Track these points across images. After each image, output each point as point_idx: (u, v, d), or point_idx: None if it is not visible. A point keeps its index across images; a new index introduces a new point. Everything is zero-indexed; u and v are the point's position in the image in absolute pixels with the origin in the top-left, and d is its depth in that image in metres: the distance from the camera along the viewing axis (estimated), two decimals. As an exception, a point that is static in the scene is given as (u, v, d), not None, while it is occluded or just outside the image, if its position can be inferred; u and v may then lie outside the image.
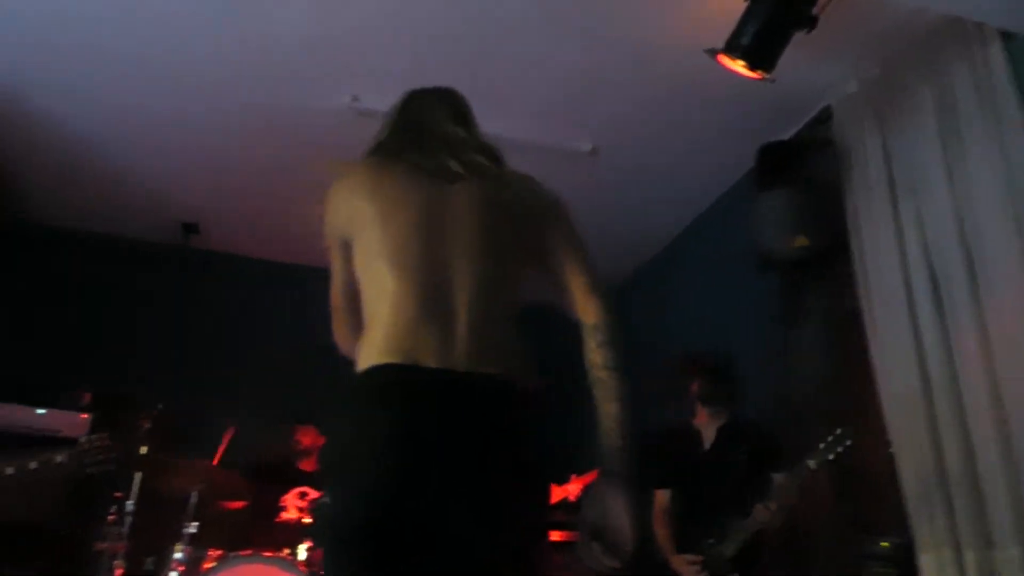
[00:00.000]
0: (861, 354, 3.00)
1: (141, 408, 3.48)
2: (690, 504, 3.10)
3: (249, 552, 3.22)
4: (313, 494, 3.80)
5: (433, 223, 1.55)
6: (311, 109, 3.69)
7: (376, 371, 1.42)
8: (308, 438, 4.21)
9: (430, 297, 1.47)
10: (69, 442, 2.48)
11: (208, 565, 3.16)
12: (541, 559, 1.53)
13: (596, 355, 1.62)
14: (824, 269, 3.39)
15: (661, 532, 3.11)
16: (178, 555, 3.21)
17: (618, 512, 1.44)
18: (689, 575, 2.87)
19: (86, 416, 3.91)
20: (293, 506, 3.84)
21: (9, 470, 2.29)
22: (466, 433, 1.37)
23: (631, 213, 4.56)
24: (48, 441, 3.58)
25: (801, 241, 3.22)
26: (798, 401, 3.37)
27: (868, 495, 3.06)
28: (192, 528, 3.31)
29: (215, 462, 3.76)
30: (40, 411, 3.84)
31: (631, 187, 4.31)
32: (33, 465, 2.32)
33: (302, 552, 3.40)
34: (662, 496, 3.20)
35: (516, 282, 1.63)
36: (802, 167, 3.36)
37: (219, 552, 3.25)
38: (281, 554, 3.27)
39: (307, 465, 4.19)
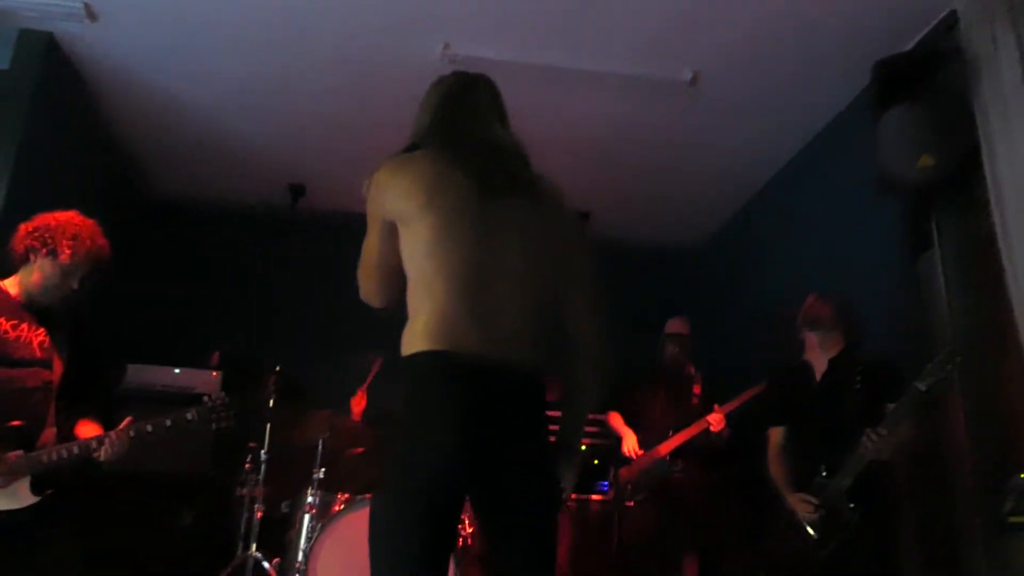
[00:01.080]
0: (996, 281, 2.78)
1: (264, 365, 3.68)
2: (803, 440, 3.00)
3: (366, 496, 3.37)
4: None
5: (481, 231, 1.65)
6: (403, 60, 3.69)
7: (424, 357, 1.60)
8: None
9: (473, 299, 1.61)
10: (200, 398, 2.67)
11: (337, 508, 3.34)
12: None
13: (584, 372, 1.81)
14: (953, 190, 3.14)
15: (775, 471, 3.05)
16: (310, 499, 3.40)
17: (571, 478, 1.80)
18: (803, 512, 2.80)
19: (216, 374, 4.17)
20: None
21: (148, 427, 2.48)
22: (501, 411, 1.59)
23: (736, 143, 4.37)
24: (185, 397, 3.85)
25: (926, 161, 2.98)
26: (926, 333, 3.18)
27: (1006, 427, 2.88)
28: (320, 473, 3.49)
29: (363, 389, 3.97)
30: (176, 371, 4.12)
31: (736, 116, 4.11)
32: (168, 423, 2.50)
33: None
34: (775, 434, 3.11)
35: (551, 291, 1.76)
36: (925, 80, 3.08)
37: (346, 495, 3.42)
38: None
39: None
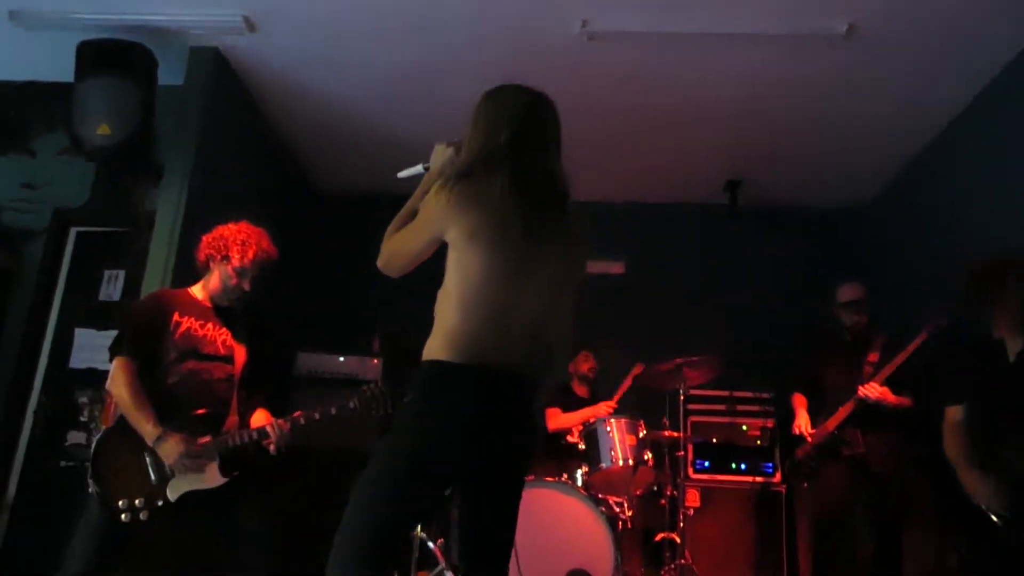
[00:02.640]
0: None
1: (419, 348, 3.80)
2: (991, 421, 2.73)
3: (532, 477, 3.42)
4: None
5: (521, 272, 1.82)
6: (542, 40, 3.67)
7: (449, 365, 1.80)
8: (588, 364, 4.34)
9: (498, 327, 1.80)
10: (362, 383, 2.83)
11: (496, 489, 3.40)
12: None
13: (553, 372, 2.05)
14: None
15: (953, 451, 2.80)
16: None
17: None
18: (982, 496, 2.57)
19: (377, 360, 4.37)
20: (576, 429, 3.99)
21: (316, 416, 2.68)
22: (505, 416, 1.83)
23: (902, 93, 4.01)
24: (350, 382, 4.08)
25: None
26: None
27: None
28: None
29: None
30: (341, 358, 4.36)
31: (898, 64, 3.77)
32: (333, 411, 2.68)
33: (579, 477, 3.54)
34: (953, 412, 2.85)
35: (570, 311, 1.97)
36: None
37: (505, 477, 3.48)
38: (560, 479, 3.43)
39: (582, 391, 4.33)
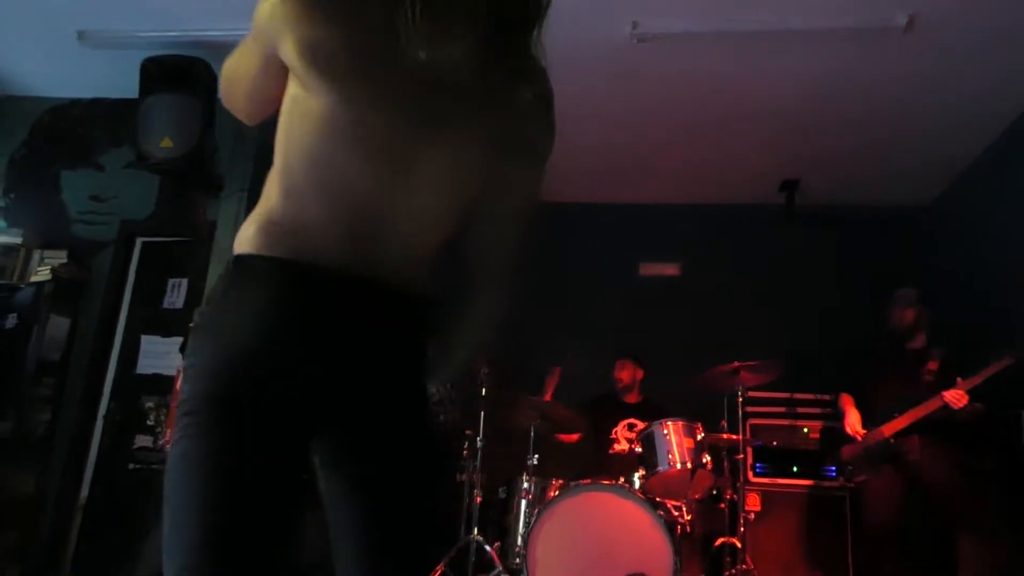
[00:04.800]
0: None
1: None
2: None
3: (588, 481, 3.40)
4: (639, 425, 3.89)
5: (407, 131, 1.15)
6: (591, 43, 3.66)
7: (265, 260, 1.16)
8: (627, 373, 4.32)
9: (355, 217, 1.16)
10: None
11: (552, 493, 3.40)
12: None
13: (483, 290, 1.37)
14: None
15: None
16: (525, 484, 3.49)
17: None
18: None
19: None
20: (623, 437, 3.97)
21: None
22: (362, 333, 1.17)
23: (967, 86, 3.87)
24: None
25: None
26: None
27: None
28: (534, 460, 3.58)
29: (547, 398, 4.01)
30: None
31: (962, 56, 3.64)
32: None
33: (636, 480, 3.51)
34: None
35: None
36: None
37: (560, 481, 3.48)
38: (618, 482, 3.41)
39: (631, 398, 4.31)
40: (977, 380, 3.44)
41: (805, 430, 4.31)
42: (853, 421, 3.74)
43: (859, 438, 3.68)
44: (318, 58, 1.08)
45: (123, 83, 3.93)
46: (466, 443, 3.78)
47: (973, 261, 4.49)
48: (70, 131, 4.51)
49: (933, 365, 3.68)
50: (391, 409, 1.20)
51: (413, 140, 1.15)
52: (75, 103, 4.54)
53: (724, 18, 3.45)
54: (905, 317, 3.82)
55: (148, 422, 4.10)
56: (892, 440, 3.58)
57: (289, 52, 1.10)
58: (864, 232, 5.16)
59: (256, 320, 1.08)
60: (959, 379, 3.48)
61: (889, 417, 3.61)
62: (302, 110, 1.12)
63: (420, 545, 1.23)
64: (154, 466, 3.86)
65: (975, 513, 3.43)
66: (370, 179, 1.14)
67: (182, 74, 3.80)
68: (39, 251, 4.20)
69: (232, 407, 1.06)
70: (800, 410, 4.37)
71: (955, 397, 3.43)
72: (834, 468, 4.11)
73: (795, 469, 4.23)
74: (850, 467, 3.74)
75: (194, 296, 4.10)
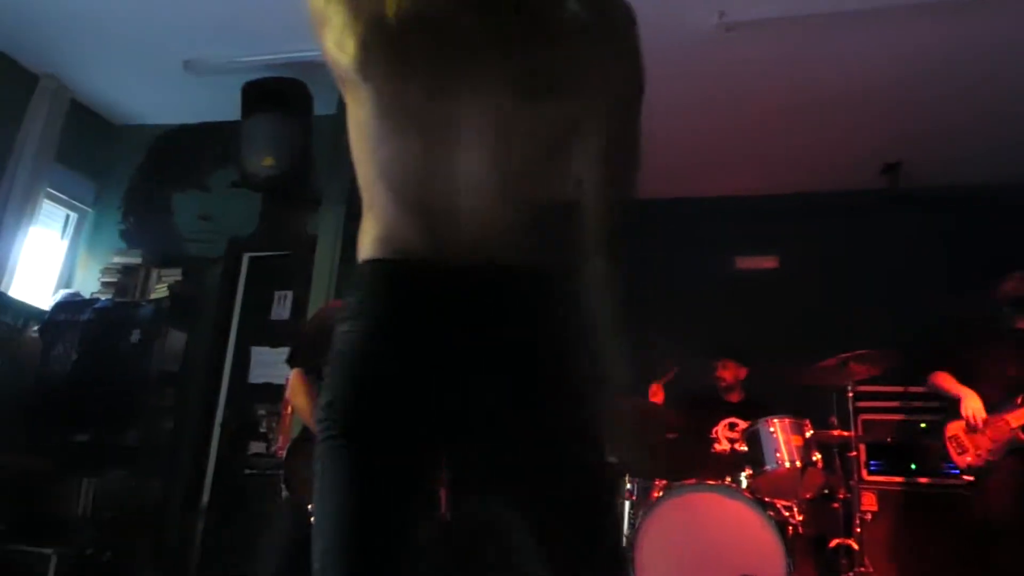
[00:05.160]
0: None
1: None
2: None
3: (693, 481, 3.34)
4: (741, 424, 3.79)
5: (435, 98, 1.09)
6: (678, 33, 3.59)
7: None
8: (729, 372, 4.22)
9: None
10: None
11: (656, 494, 3.35)
12: None
13: (593, 273, 1.18)
14: None
15: None
16: (628, 486, 3.45)
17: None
18: None
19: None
20: (724, 437, 3.86)
21: None
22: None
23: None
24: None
25: None
26: None
27: None
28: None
29: (659, 399, 3.96)
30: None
31: None
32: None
33: (743, 480, 3.42)
34: None
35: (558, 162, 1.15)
36: None
37: (663, 481, 3.42)
38: (724, 482, 3.33)
39: (733, 397, 4.20)
40: None
41: (923, 425, 4.09)
42: (976, 406, 3.47)
43: (980, 425, 3.42)
44: (342, 42, 1.08)
45: (226, 107, 4.14)
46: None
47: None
48: (179, 155, 4.78)
49: None
50: (522, 417, 1.06)
51: (447, 102, 1.07)
52: (183, 128, 4.80)
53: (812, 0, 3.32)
54: (1020, 289, 3.54)
55: (261, 429, 4.28)
56: (1020, 430, 3.33)
57: (329, 45, 1.11)
58: (977, 213, 4.83)
59: (359, 324, 1.07)
60: None
61: (1010, 405, 3.36)
62: (354, 123, 1.12)
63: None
64: (268, 472, 4.03)
65: None
66: (423, 158, 1.08)
67: (279, 95, 3.96)
68: (156, 270, 4.48)
69: (352, 430, 1.05)
70: (915, 404, 4.14)
71: None
72: (954, 464, 3.88)
73: (913, 466, 4.02)
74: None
75: (299, 307, 4.26)
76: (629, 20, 1.19)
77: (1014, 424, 3.31)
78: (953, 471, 3.86)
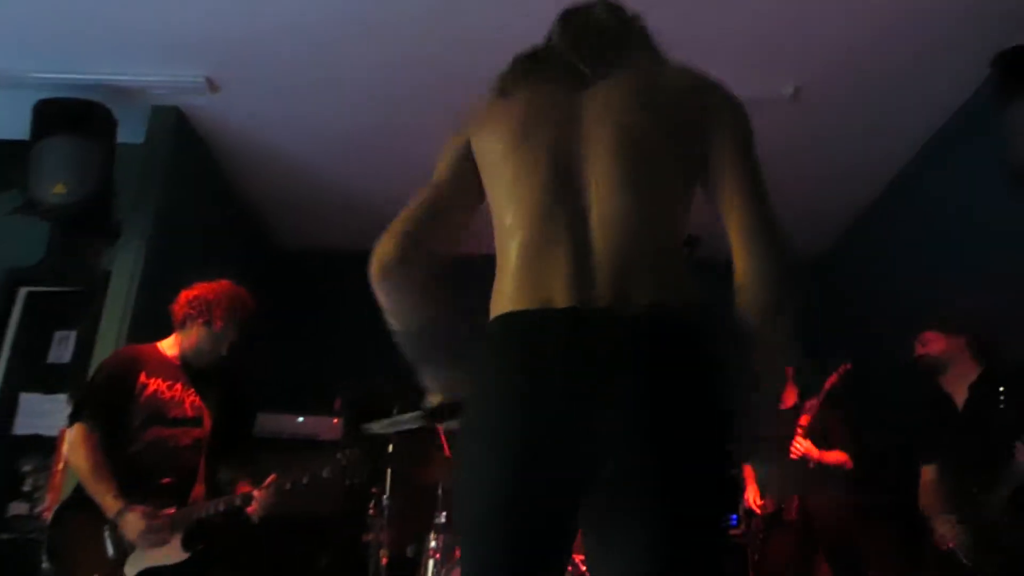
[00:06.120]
0: None
1: (384, 409, 3.73)
2: (956, 472, 2.85)
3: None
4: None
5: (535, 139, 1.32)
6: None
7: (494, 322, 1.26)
8: None
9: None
10: (327, 445, 2.75)
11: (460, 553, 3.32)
12: None
13: (746, 317, 1.22)
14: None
15: (927, 503, 2.88)
16: (432, 543, 3.40)
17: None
18: (949, 534, 2.65)
19: (337, 421, 4.28)
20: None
21: (287, 485, 2.57)
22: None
23: (847, 151, 4.16)
24: (310, 443, 3.98)
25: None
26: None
27: None
28: (442, 518, 3.49)
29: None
30: (300, 418, 4.26)
31: (844, 123, 3.93)
32: (305, 480, 2.59)
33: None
34: (928, 471, 2.95)
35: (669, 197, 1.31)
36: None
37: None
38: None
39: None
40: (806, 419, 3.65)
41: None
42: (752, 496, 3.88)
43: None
44: (493, 148, 1.36)
45: (13, 124, 3.74)
46: (372, 502, 3.65)
47: (860, 312, 4.77)
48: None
49: (804, 420, 3.75)
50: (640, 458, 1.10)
51: (558, 137, 1.28)
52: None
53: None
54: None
55: (24, 488, 3.79)
56: None
57: (476, 145, 1.39)
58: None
59: (486, 380, 1.20)
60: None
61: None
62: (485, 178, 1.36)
63: None
64: (30, 535, 3.57)
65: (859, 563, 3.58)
66: (548, 202, 1.24)
67: (78, 117, 3.64)
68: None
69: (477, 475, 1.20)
70: None
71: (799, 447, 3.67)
72: (735, 517, 4.18)
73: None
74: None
75: (83, 349, 3.85)
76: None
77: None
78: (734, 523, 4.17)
